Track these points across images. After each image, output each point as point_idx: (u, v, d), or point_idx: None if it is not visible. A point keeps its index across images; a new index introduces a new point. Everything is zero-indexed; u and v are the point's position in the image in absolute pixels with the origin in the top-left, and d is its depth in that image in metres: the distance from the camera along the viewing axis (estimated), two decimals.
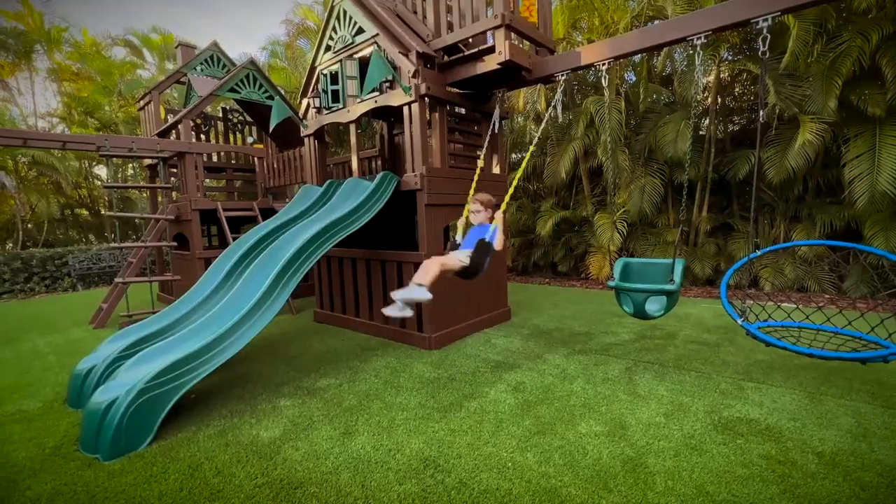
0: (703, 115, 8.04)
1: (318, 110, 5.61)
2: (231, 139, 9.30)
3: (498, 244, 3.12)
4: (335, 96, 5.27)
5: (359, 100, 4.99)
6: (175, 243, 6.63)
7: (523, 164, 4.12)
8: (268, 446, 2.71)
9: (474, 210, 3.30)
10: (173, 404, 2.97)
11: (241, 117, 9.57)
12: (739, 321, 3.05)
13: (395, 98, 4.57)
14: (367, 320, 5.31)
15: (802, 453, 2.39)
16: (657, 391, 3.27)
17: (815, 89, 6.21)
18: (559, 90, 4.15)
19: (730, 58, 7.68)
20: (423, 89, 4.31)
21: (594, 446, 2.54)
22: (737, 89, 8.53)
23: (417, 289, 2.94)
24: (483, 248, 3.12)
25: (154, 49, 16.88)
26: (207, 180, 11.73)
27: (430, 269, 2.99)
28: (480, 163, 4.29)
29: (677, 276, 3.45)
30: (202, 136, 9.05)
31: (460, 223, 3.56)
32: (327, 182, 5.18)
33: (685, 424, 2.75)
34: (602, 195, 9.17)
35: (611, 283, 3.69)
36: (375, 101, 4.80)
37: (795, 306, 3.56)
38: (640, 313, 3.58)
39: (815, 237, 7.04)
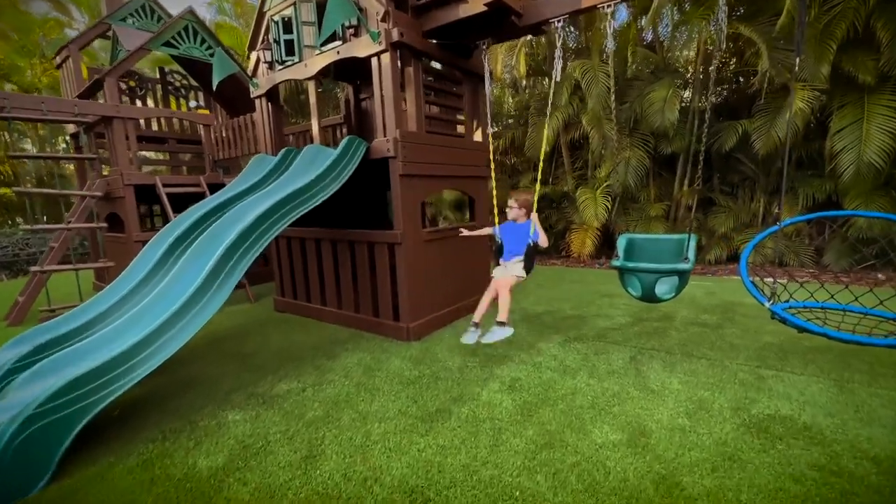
0: (689, 84, 7.70)
1: (270, 66, 4.77)
2: (173, 105, 8.18)
3: (543, 242, 3.30)
4: (289, 48, 4.46)
5: (317, 51, 4.22)
6: (106, 224, 5.69)
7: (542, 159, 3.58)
8: (207, 481, 2.12)
9: (511, 206, 3.52)
10: (81, 428, 2.30)
11: (184, 81, 8.42)
12: (767, 304, 2.67)
13: (361, 47, 3.85)
14: (335, 309, 4.69)
15: (855, 459, 2.04)
16: (670, 384, 2.88)
17: (808, 54, 5.91)
18: (559, 44, 3.49)
19: (713, 29, 7.30)
20: (394, 36, 3.61)
21: (615, 462, 2.10)
22: (718, 58, 8.20)
23: (502, 332, 3.14)
24: (531, 251, 3.33)
25: (82, 5, 14.82)
26: (151, 153, 10.48)
27: (505, 301, 3.21)
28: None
29: (691, 254, 3.03)
30: (138, 101, 7.90)
31: (495, 231, 3.64)
32: (283, 150, 4.42)
33: (713, 427, 2.36)
34: (583, 169, 8.77)
35: (615, 263, 3.24)
36: (337, 52, 4.05)
37: (821, 285, 3.22)
38: (649, 296, 3.17)
39: (797, 210, 6.91)
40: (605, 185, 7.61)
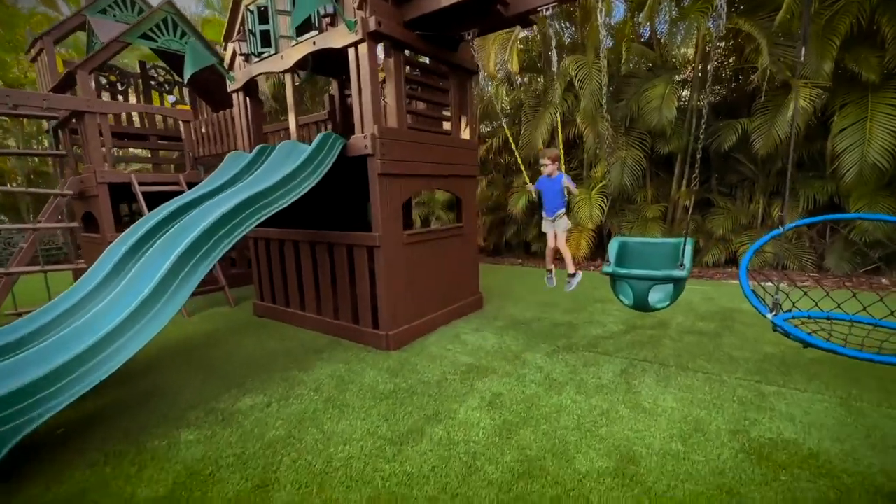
0: (688, 82, 7.48)
1: (247, 58, 4.54)
2: (156, 100, 7.94)
3: (574, 190, 3.74)
4: (265, 39, 4.23)
5: (293, 42, 3.98)
6: (76, 224, 5.44)
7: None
8: None
9: (544, 164, 3.79)
10: (13, 451, 2.07)
11: (167, 76, 8.18)
12: (769, 316, 2.45)
13: (338, 38, 3.61)
14: (314, 314, 4.46)
15: (868, 495, 1.82)
16: (664, 402, 2.66)
17: (809, 51, 5.70)
18: (552, 34, 3.30)
19: (712, 25, 7.08)
20: (371, 25, 3.38)
21: (600, 495, 1.88)
22: (718, 52, 7.98)
23: (575, 280, 3.81)
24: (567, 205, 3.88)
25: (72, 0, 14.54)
26: (139, 150, 10.22)
27: (567, 255, 3.88)
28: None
29: (687, 260, 2.81)
30: (120, 97, 7.66)
31: (529, 187, 4.08)
32: (258, 147, 4.19)
33: (710, 453, 2.14)
34: (578, 168, 8.55)
35: (606, 269, 3.02)
36: (314, 43, 3.81)
37: (826, 293, 2.97)
38: (641, 305, 2.95)
39: (798, 212, 6.70)
40: (600, 185, 7.39)
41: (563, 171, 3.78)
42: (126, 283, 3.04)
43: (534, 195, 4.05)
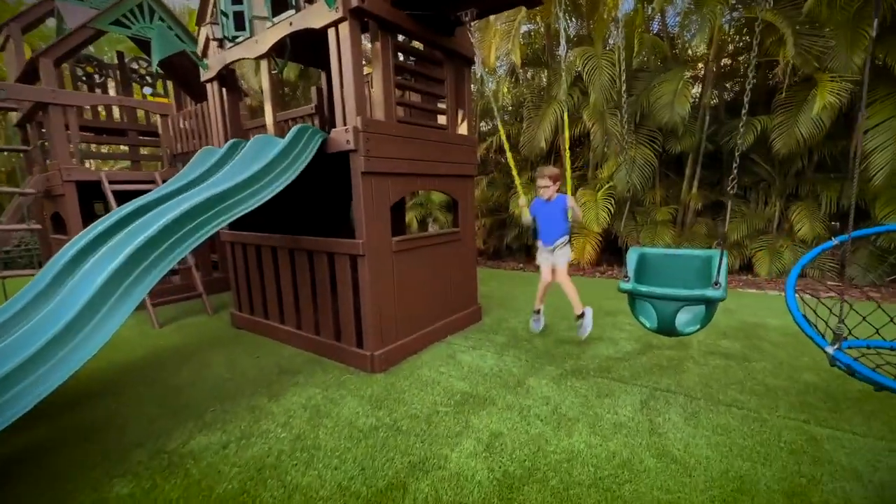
0: (701, 77, 7.04)
1: (220, 44, 4.10)
2: (137, 94, 7.50)
3: (579, 216, 3.38)
4: (239, 21, 3.78)
5: (269, 24, 3.54)
6: (38, 226, 5.00)
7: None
8: None
9: (543, 186, 3.31)
10: None
11: (150, 68, 7.73)
12: (829, 350, 2.01)
13: (317, 17, 3.17)
14: (294, 328, 4.01)
15: None
16: (697, 448, 2.22)
17: (838, 41, 5.26)
18: (562, 14, 2.87)
19: (729, 19, 6.64)
20: (353, 0, 2.93)
21: None
22: (730, 48, 7.54)
23: (587, 321, 3.42)
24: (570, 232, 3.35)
25: None
26: (126, 147, 9.80)
27: (570, 291, 3.34)
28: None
29: (723, 277, 2.37)
30: (98, 90, 7.22)
31: (522, 203, 3.58)
32: (230, 142, 3.75)
33: None
34: (584, 169, 8.11)
35: (624, 286, 2.57)
36: (290, 24, 3.37)
37: (890, 317, 2.48)
38: (667, 329, 2.50)
39: (819, 217, 6.27)
40: (607, 186, 6.95)
41: (568, 192, 3.30)
42: (62, 297, 2.61)
43: (528, 219, 3.52)
